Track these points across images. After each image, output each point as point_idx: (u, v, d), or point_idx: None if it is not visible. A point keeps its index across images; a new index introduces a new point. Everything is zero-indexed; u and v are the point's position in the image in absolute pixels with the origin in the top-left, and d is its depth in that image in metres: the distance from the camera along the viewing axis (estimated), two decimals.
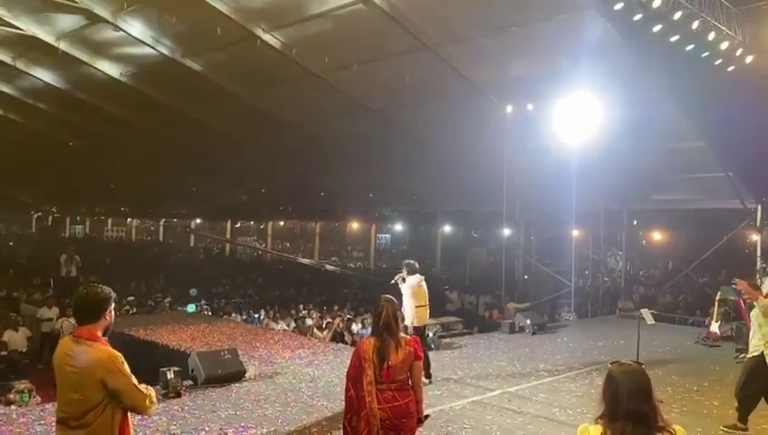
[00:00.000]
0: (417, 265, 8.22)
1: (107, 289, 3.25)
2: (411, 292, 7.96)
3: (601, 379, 2.75)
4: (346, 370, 4.28)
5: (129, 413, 3.21)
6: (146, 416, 3.13)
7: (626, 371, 2.63)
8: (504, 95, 12.74)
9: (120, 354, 3.14)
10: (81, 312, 3.20)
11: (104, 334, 3.22)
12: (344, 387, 4.26)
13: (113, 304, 3.27)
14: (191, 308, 11.40)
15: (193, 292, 16.89)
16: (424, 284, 8.15)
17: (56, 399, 3.26)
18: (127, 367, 3.13)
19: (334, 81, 13.17)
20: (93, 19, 11.94)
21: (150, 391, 3.20)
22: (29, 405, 6.95)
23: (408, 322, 7.85)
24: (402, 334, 4.26)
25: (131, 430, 3.26)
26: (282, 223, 35.17)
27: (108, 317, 3.21)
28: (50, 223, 41.13)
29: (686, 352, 10.31)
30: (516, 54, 11.16)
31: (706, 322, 11.44)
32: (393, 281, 8.28)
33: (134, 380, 3.13)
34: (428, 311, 8.29)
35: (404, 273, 8.10)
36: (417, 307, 7.97)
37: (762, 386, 5.85)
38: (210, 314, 14.10)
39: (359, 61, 12.06)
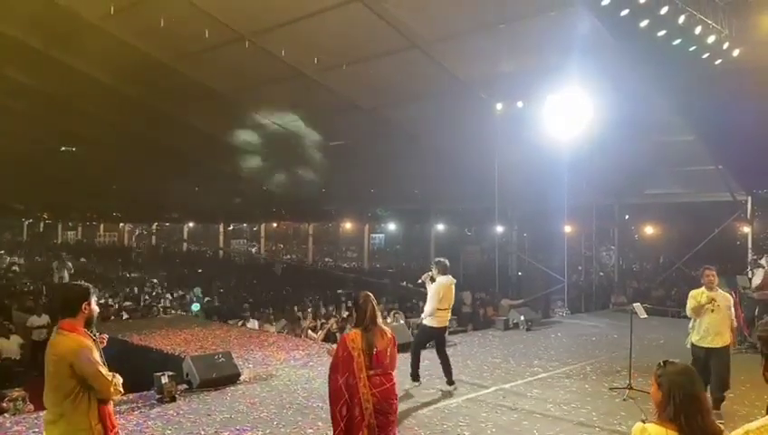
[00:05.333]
0: (448, 264, 7.72)
1: (85, 285, 3.47)
2: (440, 293, 7.46)
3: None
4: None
5: (109, 405, 3.37)
6: (111, 401, 3.41)
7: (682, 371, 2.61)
8: (493, 92, 12.74)
9: (90, 343, 3.32)
10: (61, 307, 3.41)
11: (88, 326, 3.40)
12: (328, 380, 4.45)
13: (93, 298, 3.46)
14: (196, 307, 11.37)
15: (196, 291, 16.82)
16: (453, 286, 7.70)
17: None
18: (95, 355, 3.30)
19: (324, 81, 13.15)
20: (81, 23, 11.87)
21: (117, 378, 3.36)
22: (22, 413, 6.90)
23: (426, 321, 7.58)
24: (381, 324, 4.53)
25: (113, 419, 3.39)
26: (275, 225, 35.09)
27: (86, 310, 3.39)
28: (41, 229, 40.86)
29: (680, 346, 10.24)
30: (505, 51, 11.15)
31: None
32: (420, 280, 7.83)
33: (100, 367, 3.28)
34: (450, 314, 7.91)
35: (434, 272, 7.65)
36: (440, 310, 7.52)
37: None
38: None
39: (348, 61, 12.05)
